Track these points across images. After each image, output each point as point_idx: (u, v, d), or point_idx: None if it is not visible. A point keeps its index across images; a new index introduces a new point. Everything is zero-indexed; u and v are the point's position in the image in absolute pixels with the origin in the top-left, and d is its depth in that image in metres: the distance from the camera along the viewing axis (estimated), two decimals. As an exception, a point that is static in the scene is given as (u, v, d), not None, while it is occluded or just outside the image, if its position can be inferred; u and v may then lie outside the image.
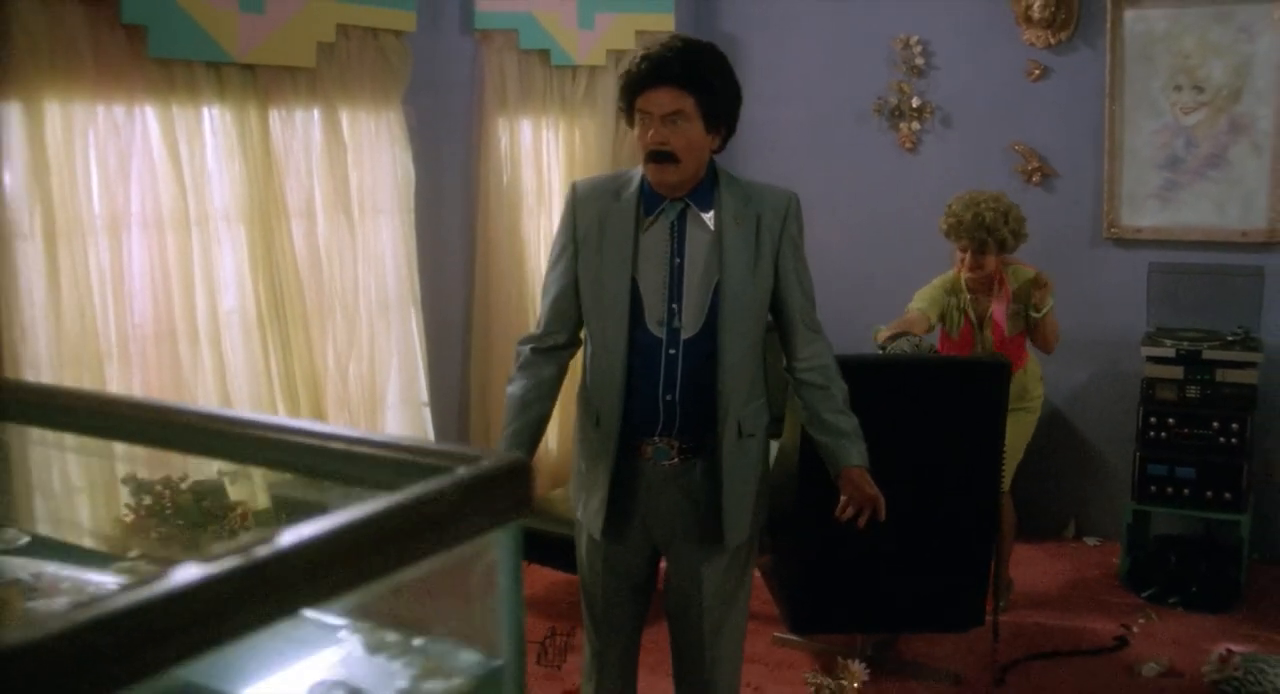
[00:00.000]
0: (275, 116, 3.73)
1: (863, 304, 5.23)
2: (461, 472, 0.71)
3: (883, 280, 5.22)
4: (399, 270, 4.23)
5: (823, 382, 2.55)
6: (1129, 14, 4.63)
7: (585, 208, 2.51)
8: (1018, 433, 4.04)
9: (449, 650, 0.83)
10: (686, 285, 2.43)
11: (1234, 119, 4.57)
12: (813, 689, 2.75)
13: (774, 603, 3.72)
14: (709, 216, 2.44)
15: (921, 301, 4.04)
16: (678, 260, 2.43)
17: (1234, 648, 3.70)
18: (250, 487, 1.51)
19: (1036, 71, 4.87)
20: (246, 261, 3.67)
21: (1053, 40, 4.80)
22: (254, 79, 3.64)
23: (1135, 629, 4.09)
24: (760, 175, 5.43)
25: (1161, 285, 4.69)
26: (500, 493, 0.74)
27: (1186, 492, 4.33)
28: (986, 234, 3.85)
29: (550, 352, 2.59)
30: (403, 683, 0.81)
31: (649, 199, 2.46)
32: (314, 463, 0.83)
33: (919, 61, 5.09)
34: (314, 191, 3.89)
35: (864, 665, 2.88)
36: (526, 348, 2.60)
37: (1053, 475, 4.90)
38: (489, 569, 0.76)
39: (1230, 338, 4.44)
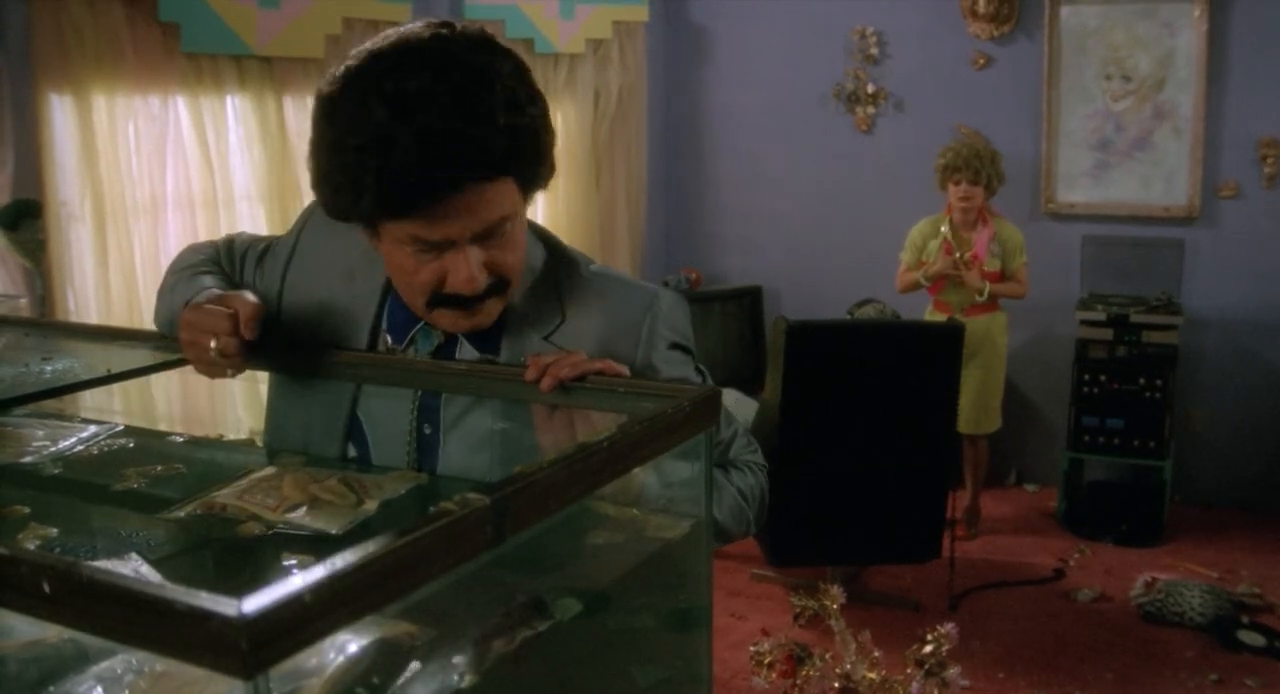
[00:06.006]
0: (289, 104, 3.97)
1: (821, 271, 5.67)
2: (684, 399, 1.10)
3: (839, 249, 5.65)
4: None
5: None
6: (1065, 9, 5.02)
7: (305, 262, 1.49)
8: (993, 379, 4.56)
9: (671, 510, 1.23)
10: None
11: (1158, 106, 4.97)
12: (798, 609, 3.12)
13: (754, 542, 4.12)
14: None
15: (907, 252, 4.62)
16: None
17: (1157, 576, 4.14)
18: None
19: (981, 61, 5.25)
20: (267, 239, 3.96)
21: (996, 32, 5.16)
22: (270, 70, 3.89)
23: (1071, 562, 4.53)
24: (726, 156, 5.88)
25: (1093, 255, 5.07)
26: (705, 410, 1.13)
27: (1116, 441, 4.74)
28: (980, 164, 4.39)
29: None
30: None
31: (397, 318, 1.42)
32: (584, 398, 1.21)
33: (874, 51, 5.43)
34: (323, 173, 4.17)
35: (840, 589, 3.29)
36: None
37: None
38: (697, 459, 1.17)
39: (1154, 303, 4.83)
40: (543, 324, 1.37)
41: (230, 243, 1.57)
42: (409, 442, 1.39)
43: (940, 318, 4.53)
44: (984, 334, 4.50)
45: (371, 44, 1.21)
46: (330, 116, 1.19)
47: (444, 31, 1.20)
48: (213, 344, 1.31)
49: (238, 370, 1.38)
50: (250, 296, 1.35)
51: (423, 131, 1.13)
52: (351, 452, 1.41)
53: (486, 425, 1.38)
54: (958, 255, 4.48)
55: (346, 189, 1.18)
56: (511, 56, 1.23)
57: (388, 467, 1.37)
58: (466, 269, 1.23)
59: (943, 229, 4.56)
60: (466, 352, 1.39)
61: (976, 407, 4.52)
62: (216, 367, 1.35)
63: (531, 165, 1.24)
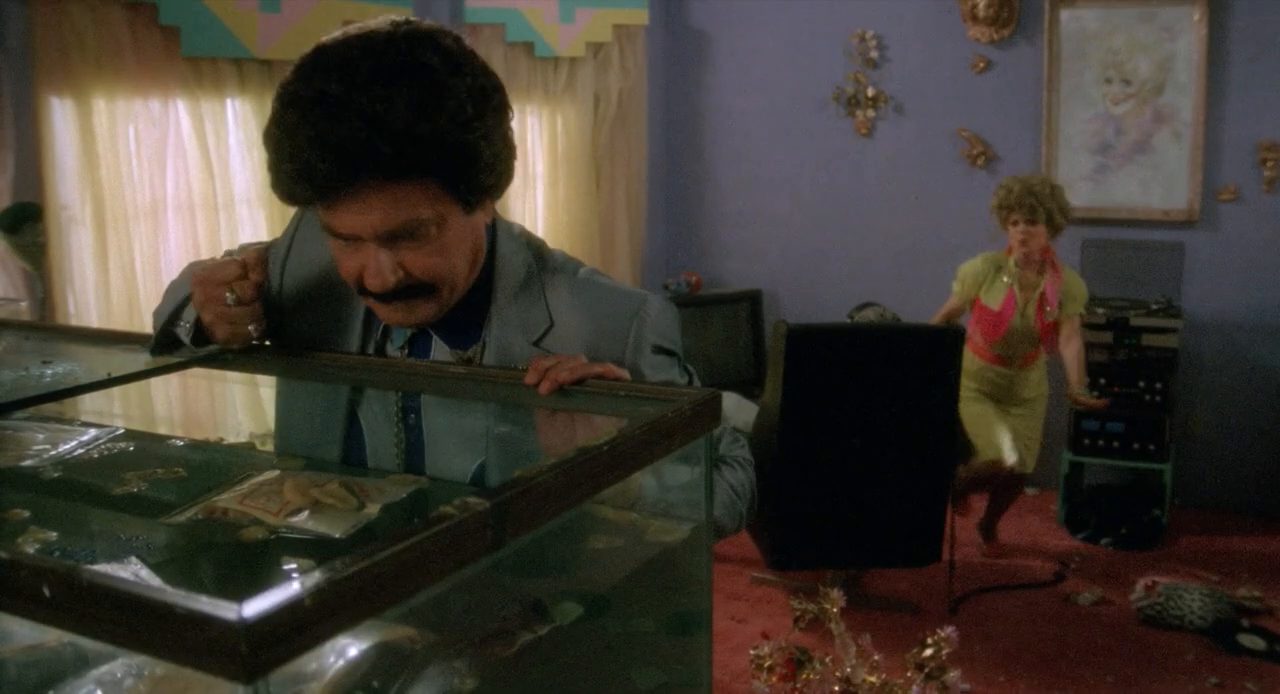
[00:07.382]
0: (290, 107, 4.00)
1: (821, 274, 5.68)
2: (684, 402, 1.10)
3: (840, 252, 5.65)
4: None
5: None
6: (1065, 13, 5.02)
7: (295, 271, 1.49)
8: (1035, 423, 4.47)
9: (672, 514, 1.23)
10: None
11: (1157, 109, 4.98)
12: (798, 612, 3.12)
13: (753, 546, 4.12)
14: None
15: (959, 283, 4.38)
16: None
17: (1157, 579, 4.13)
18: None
19: (981, 64, 5.25)
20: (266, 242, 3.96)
21: (996, 36, 5.16)
22: (271, 73, 3.88)
23: (1072, 566, 4.53)
24: (726, 160, 5.90)
25: (1093, 259, 5.08)
26: (705, 414, 1.13)
27: (1116, 444, 4.75)
28: (1036, 201, 4.14)
29: None
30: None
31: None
32: (583, 402, 1.21)
33: (874, 54, 5.44)
34: (323, 177, 4.18)
35: (840, 592, 3.30)
36: None
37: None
38: (698, 463, 1.17)
39: (1154, 307, 4.84)
40: (531, 329, 1.38)
41: (229, 252, 1.58)
42: (398, 443, 1.40)
43: (981, 364, 4.38)
44: (1038, 381, 4.47)
45: (324, 38, 1.24)
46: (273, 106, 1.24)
47: (383, 31, 1.21)
48: (228, 296, 1.34)
49: (259, 327, 1.38)
50: (250, 247, 1.40)
51: (319, 128, 1.15)
52: (351, 454, 1.42)
53: (471, 425, 1.39)
54: (1084, 393, 4.33)
55: (271, 173, 1.23)
56: (461, 61, 1.22)
57: (386, 470, 1.37)
58: (374, 265, 1.25)
59: (1005, 279, 4.27)
60: (439, 347, 1.41)
61: (1022, 445, 4.38)
62: (238, 323, 1.36)
63: (461, 172, 1.23)
